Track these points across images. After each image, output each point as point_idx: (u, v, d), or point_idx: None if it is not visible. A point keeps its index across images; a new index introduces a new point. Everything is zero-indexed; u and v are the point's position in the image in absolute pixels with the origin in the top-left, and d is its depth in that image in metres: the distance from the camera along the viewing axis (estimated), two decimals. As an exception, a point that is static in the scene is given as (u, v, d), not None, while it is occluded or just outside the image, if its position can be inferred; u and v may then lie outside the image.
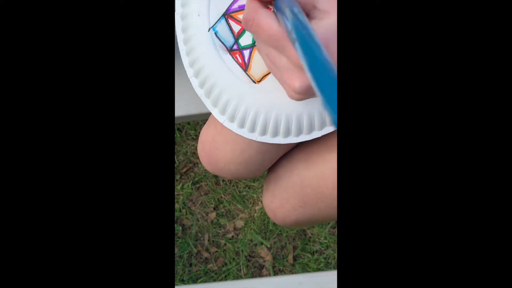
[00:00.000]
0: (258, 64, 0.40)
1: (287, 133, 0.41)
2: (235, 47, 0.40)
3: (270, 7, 0.35)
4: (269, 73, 0.40)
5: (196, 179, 1.22)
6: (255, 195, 1.21)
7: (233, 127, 0.41)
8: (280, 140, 0.41)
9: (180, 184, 1.22)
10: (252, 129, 0.41)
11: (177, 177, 1.23)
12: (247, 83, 0.40)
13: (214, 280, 1.14)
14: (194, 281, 1.14)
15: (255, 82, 0.39)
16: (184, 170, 1.23)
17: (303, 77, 0.32)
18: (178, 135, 1.25)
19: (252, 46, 0.40)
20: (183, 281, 1.14)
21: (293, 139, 0.41)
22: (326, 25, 0.32)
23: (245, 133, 0.41)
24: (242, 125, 0.41)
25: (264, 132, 0.41)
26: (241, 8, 0.40)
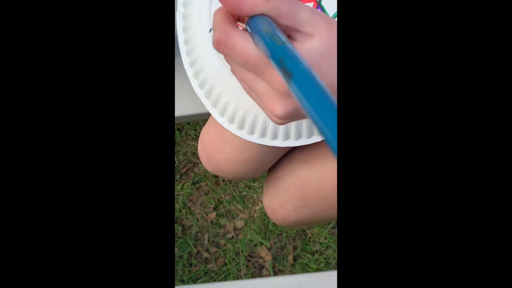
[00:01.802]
0: None
1: (286, 137, 0.40)
2: None
3: (240, 24, 0.33)
4: None
5: (196, 179, 1.22)
6: (255, 195, 1.21)
7: (233, 128, 0.41)
8: (279, 143, 0.41)
9: (180, 184, 1.22)
10: (252, 131, 0.41)
11: (177, 177, 1.23)
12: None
13: (214, 280, 1.14)
14: (194, 281, 1.14)
15: None
16: (184, 170, 1.23)
17: (285, 102, 0.30)
18: (178, 135, 1.25)
19: None
20: (183, 281, 1.14)
21: (292, 143, 0.41)
22: (310, 48, 0.30)
23: (244, 134, 0.41)
24: (241, 127, 0.41)
25: (263, 134, 0.40)
26: None
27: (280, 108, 0.30)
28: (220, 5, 0.40)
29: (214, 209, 1.20)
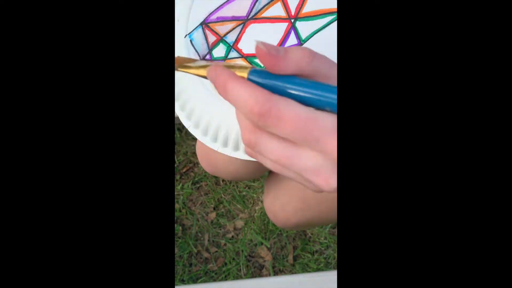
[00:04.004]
0: None
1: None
2: (207, 57, 0.39)
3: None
4: None
5: (196, 179, 1.22)
6: (255, 195, 1.21)
7: (207, 140, 0.39)
8: (241, 155, 0.39)
9: (180, 184, 1.22)
10: (225, 144, 0.39)
11: (177, 177, 1.23)
12: (214, 95, 0.38)
13: (214, 280, 1.14)
14: (194, 281, 1.14)
15: None
16: (184, 170, 1.23)
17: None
18: (178, 135, 1.25)
19: (224, 59, 0.38)
20: (183, 281, 1.14)
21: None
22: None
23: (219, 148, 0.39)
24: (215, 139, 0.39)
25: (225, 144, 0.39)
26: (220, 20, 0.39)
27: (334, 180, 0.26)
28: (195, 12, 0.39)
29: (214, 209, 1.20)
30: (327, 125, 0.25)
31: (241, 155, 0.38)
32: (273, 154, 0.27)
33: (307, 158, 0.26)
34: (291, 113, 0.25)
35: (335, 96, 0.25)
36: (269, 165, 0.29)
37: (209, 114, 0.38)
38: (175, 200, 1.20)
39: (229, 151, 0.38)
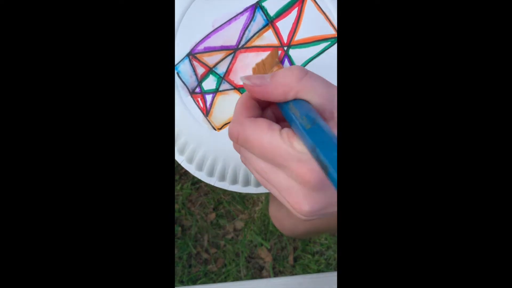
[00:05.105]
0: (220, 110, 0.37)
1: (247, 183, 0.38)
2: (197, 90, 0.37)
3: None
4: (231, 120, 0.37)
5: (196, 179, 1.22)
6: (255, 196, 1.20)
7: (191, 169, 0.38)
8: (239, 188, 0.39)
9: (180, 185, 1.22)
10: (211, 174, 0.38)
11: (177, 177, 1.23)
12: (206, 129, 0.37)
13: (214, 281, 1.14)
14: (194, 282, 1.14)
15: (215, 129, 0.37)
16: (183, 170, 1.23)
17: (312, 198, 0.26)
18: (178, 136, 1.25)
19: (215, 91, 0.37)
20: (182, 282, 1.14)
21: (253, 189, 0.39)
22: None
23: (203, 176, 0.38)
24: (200, 169, 0.38)
25: (222, 178, 0.38)
26: (207, 50, 0.37)
27: (307, 205, 0.26)
28: (180, 42, 0.36)
29: (213, 209, 1.20)
30: (289, 154, 0.25)
31: (239, 188, 0.38)
32: (255, 164, 0.28)
33: (282, 177, 0.27)
34: (255, 139, 0.26)
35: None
36: (256, 176, 0.29)
37: (204, 148, 0.37)
38: (175, 201, 1.20)
39: (226, 185, 0.38)
